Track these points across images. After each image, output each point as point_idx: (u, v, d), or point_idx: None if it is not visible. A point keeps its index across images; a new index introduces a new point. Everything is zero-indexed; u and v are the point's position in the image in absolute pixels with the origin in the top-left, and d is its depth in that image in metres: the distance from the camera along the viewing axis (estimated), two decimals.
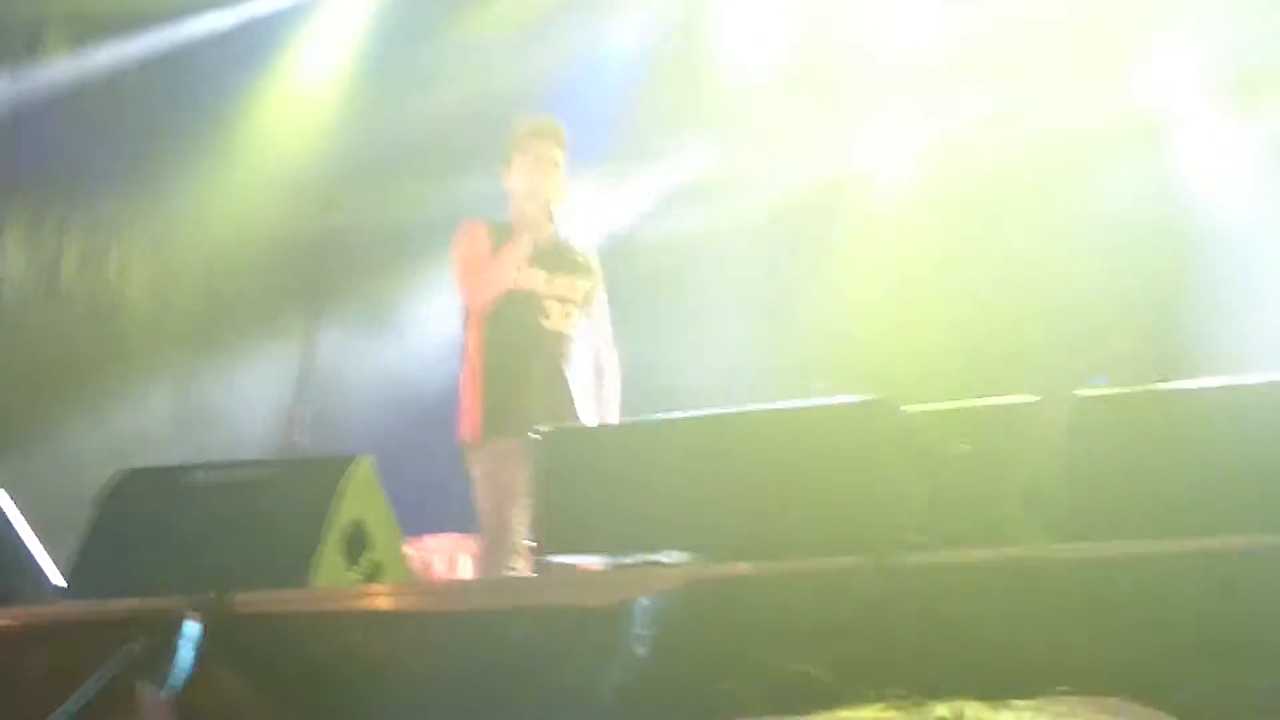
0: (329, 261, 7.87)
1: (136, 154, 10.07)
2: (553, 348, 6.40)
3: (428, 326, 10.27)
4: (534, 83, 10.58)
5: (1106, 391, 3.65)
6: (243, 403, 9.80)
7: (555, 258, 6.53)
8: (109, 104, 9.96)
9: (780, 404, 3.81)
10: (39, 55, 9.70)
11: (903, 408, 3.69)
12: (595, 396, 6.52)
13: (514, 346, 6.40)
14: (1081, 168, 10.27)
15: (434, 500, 7.36)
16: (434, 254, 10.64)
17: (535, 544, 3.99)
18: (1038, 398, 3.96)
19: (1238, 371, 8.70)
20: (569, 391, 6.35)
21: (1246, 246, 9.87)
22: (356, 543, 4.19)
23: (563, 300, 6.48)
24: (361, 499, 4.27)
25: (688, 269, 11.10)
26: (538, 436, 4.12)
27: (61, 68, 9.77)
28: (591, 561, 4.12)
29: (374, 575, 4.22)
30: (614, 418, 6.48)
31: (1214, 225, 10.12)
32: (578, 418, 6.27)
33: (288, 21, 10.44)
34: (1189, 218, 10.26)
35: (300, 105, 10.67)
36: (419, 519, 6.63)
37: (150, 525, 4.39)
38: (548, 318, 6.41)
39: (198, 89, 10.25)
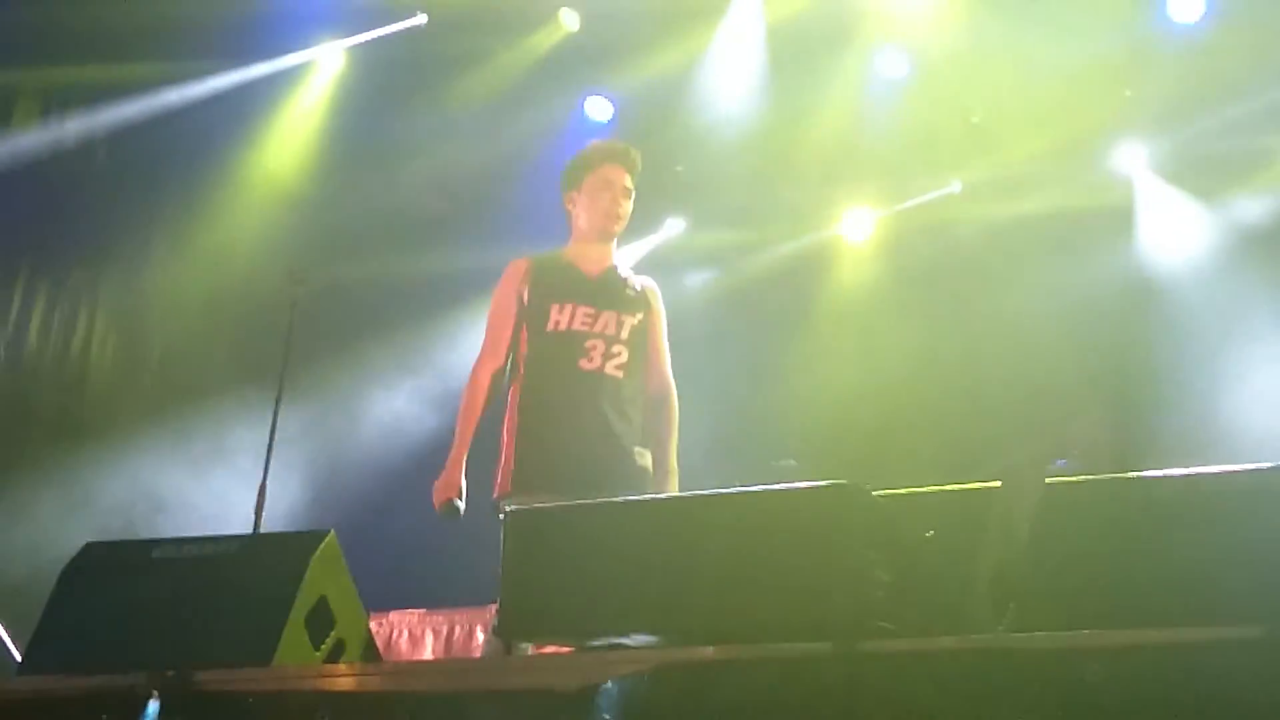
0: (294, 335, 7.86)
1: (104, 225, 10.08)
2: (592, 391, 5.85)
3: (391, 401, 10.29)
4: (502, 157, 10.65)
5: (1073, 479, 3.66)
6: (207, 475, 9.76)
7: (605, 292, 6.05)
8: (77, 174, 9.96)
9: (748, 487, 3.81)
10: (8, 125, 9.70)
11: (871, 492, 3.69)
12: (654, 438, 6.02)
13: (548, 394, 5.90)
14: (1049, 250, 10.37)
15: (399, 575, 7.35)
16: (400, 328, 10.72)
17: (501, 627, 3.96)
18: (1003, 484, 3.98)
19: (1203, 454, 8.83)
20: (613, 438, 5.81)
21: (1209, 330, 9.95)
22: (321, 619, 4.17)
23: (607, 339, 5.95)
24: (326, 575, 4.25)
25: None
26: (503, 517, 4.11)
27: (30, 138, 9.77)
28: (559, 644, 4.10)
29: (338, 652, 4.20)
30: (672, 457, 6.02)
31: (1178, 308, 10.21)
32: (624, 465, 5.77)
33: (257, 95, 10.47)
34: (1154, 301, 10.35)
35: (268, 178, 10.70)
36: (384, 594, 6.61)
37: (112, 600, 4.35)
38: (589, 359, 5.88)
39: (166, 161, 10.27)
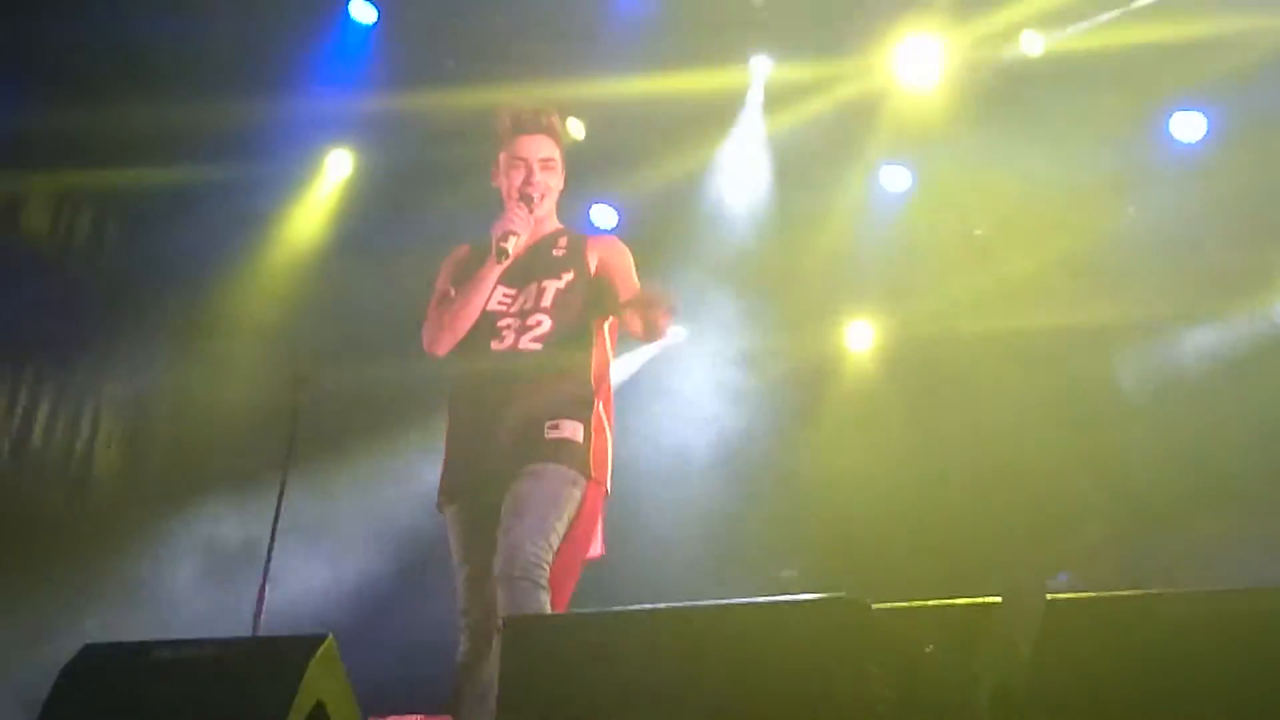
0: (297, 436, 7.87)
1: (110, 325, 10.12)
2: (502, 372, 5.27)
3: (394, 504, 10.28)
4: None
5: (1074, 596, 3.66)
6: (207, 575, 9.74)
7: (526, 265, 5.51)
8: (85, 274, 10.02)
9: (749, 600, 3.81)
10: (17, 225, 9.78)
11: (871, 606, 3.69)
12: (590, 407, 5.33)
13: (462, 385, 5.40)
14: (1052, 362, 10.40)
15: (400, 679, 7.30)
16: (402, 432, 10.73)
17: None
18: (1004, 600, 3.98)
19: (1206, 564, 8.82)
20: (521, 418, 5.17)
21: (1210, 444, 9.98)
22: None
23: (524, 312, 5.39)
24: (323, 678, 4.23)
25: (656, 455, 11.13)
26: (501, 626, 4.09)
27: (39, 238, 9.84)
28: None
29: None
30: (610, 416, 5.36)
31: (1181, 423, 10.23)
32: (531, 445, 5.12)
33: (265, 198, 10.55)
34: (1157, 414, 10.36)
35: (274, 279, 10.75)
36: (384, 698, 6.57)
37: (110, 703, 4.33)
38: (500, 339, 5.34)
39: (173, 262, 10.32)
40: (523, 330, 5.33)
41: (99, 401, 10.21)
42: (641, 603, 4.04)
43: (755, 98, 10.54)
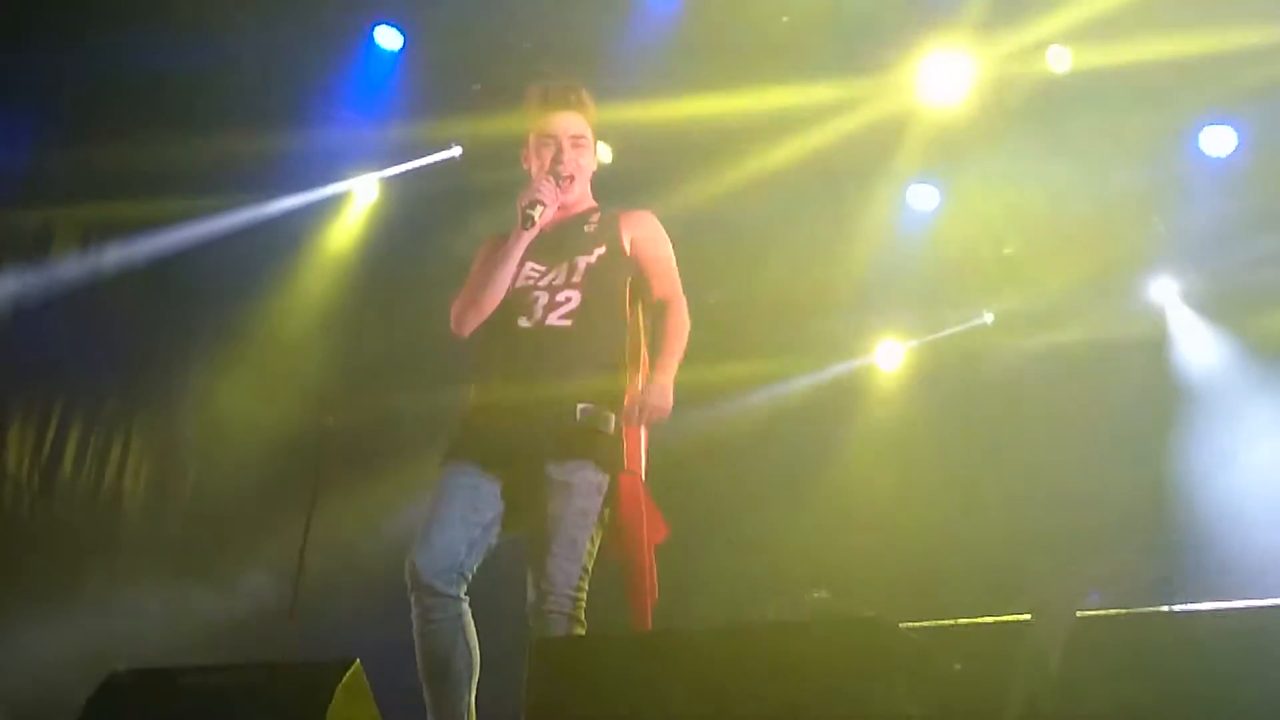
0: (324, 463, 7.87)
1: (139, 352, 10.15)
2: (527, 350, 5.11)
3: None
4: None
5: (1104, 613, 3.63)
6: (236, 604, 9.75)
7: (556, 241, 5.35)
8: (113, 302, 10.05)
9: (778, 621, 3.79)
10: (46, 257, 9.82)
11: (901, 625, 3.67)
12: (654, 350, 5.20)
13: (484, 360, 5.24)
14: (1082, 379, 10.36)
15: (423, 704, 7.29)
16: (432, 458, 10.71)
17: None
18: (1034, 617, 3.95)
19: (1240, 584, 8.76)
20: (546, 398, 5.00)
21: (1250, 463, 9.92)
22: None
23: (553, 288, 5.21)
24: (351, 704, 4.23)
25: (690, 479, 11.15)
26: (532, 648, 4.08)
27: (68, 269, 9.88)
28: None
29: None
30: (664, 372, 5.08)
31: (1214, 440, 10.18)
32: (556, 427, 4.98)
33: (293, 226, 10.56)
34: (1189, 431, 10.31)
35: (302, 307, 10.76)
36: None
37: None
38: (528, 316, 5.15)
39: (201, 292, 10.35)
40: (551, 306, 5.15)
41: (129, 431, 10.23)
42: (670, 626, 4.02)
43: (783, 118, 10.52)
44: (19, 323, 9.45)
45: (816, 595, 9.55)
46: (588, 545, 4.86)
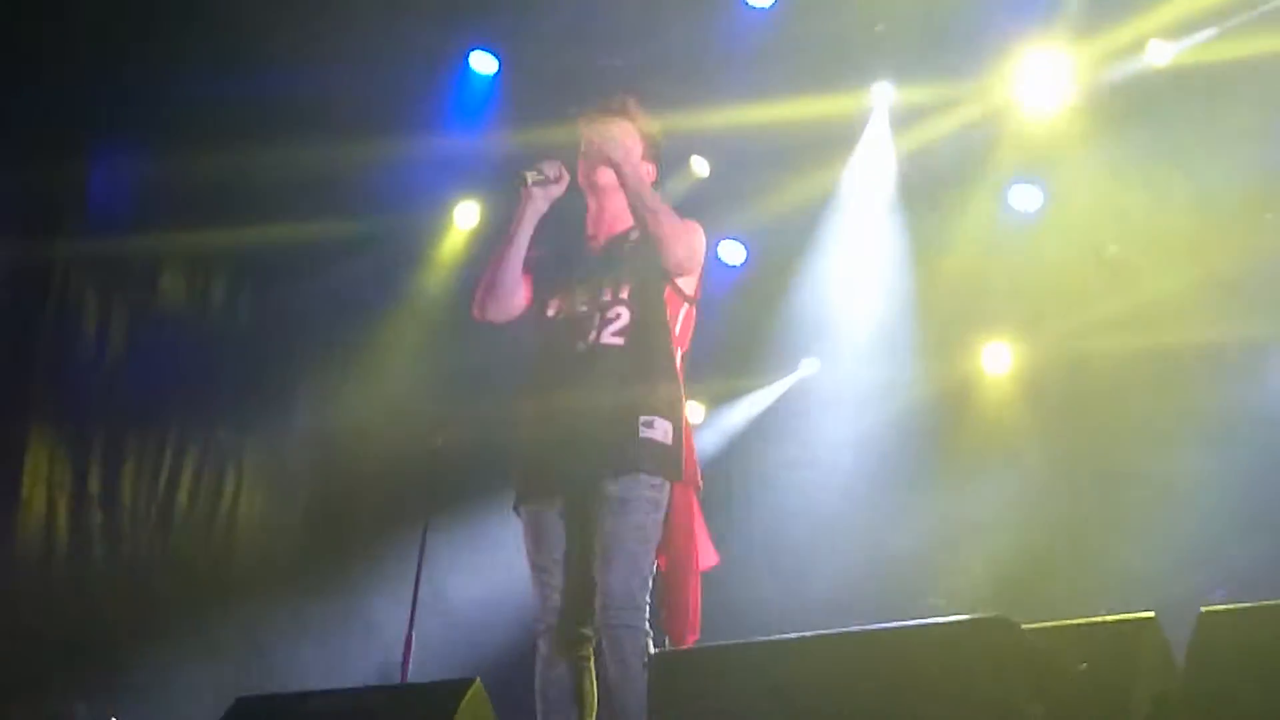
0: (437, 485, 7.90)
1: (248, 383, 10.27)
2: (585, 371, 5.09)
3: None
4: None
5: (1228, 606, 3.59)
6: (354, 628, 9.83)
7: (605, 260, 5.31)
8: (222, 334, 10.17)
9: (898, 623, 3.77)
10: (155, 285, 9.96)
11: (1021, 625, 3.64)
12: (680, 403, 5.13)
13: (542, 385, 5.20)
14: (1192, 379, 10.21)
15: None
16: None
17: None
18: (1155, 614, 3.92)
19: None
20: (609, 415, 4.96)
21: None
22: None
23: (603, 305, 5.17)
24: None
25: (798, 485, 11.12)
26: (649, 659, 4.09)
27: (176, 301, 10.01)
28: None
29: None
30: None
31: None
32: (623, 446, 4.93)
33: (396, 247, 10.65)
34: None
35: (409, 328, 10.85)
36: None
37: None
38: (584, 338, 5.13)
39: (308, 317, 10.47)
40: (604, 325, 5.12)
41: (240, 460, 10.34)
42: (786, 633, 4.01)
43: (879, 122, 10.50)
44: (131, 355, 9.60)
45: (933, 601, 9.48)
46: (645, 557, 4.83)
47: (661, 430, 4.98)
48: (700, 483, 5.09)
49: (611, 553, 4.79)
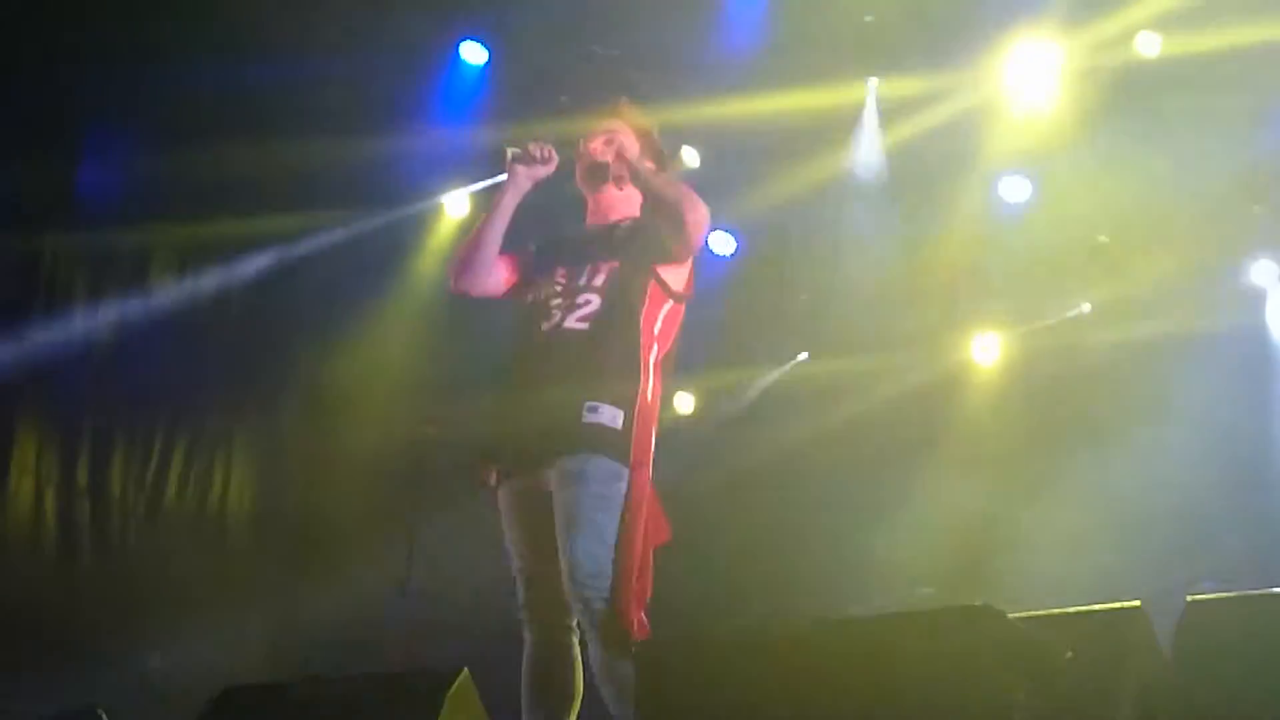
0: (427, 474, 7.89)
1: (238, 376, 10.25)
2: (544, 354, 5.10)
3: None
4: None
5: (1215, 595, 3.59)
6: (341, 618, 9.81)
7: (586, 244, 5.35)
8: (212, 327, 10.15)
9: (886, 612, 3.77)
10: (145, 276, 9.94)
11: (1009, 614, 3.64)
12: (636, 391, 5.05)
13: (510, 370, 5.24)
14: (1181, 368, 10.22)
15: None
16: None
17: None
18: (1141, 604, 3.92)
19: None
20: (556, 401, 4.93)
21: None
22: None
23: (575, 289, 5.19)
24: (460, 713, 4.25)
25: (787, 478, 11.12)
26: (636, 648, 4.08)
27: (166, 292, 9.98)
28: None
29: None
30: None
31: None
32: (565, 430, 4.91)
33: (387, 242, 10.62)
34: None
35: (399, 320, 10.83)
36: None
37: None
38: (549, 319, 5.15)
39: (298, 311, 10.45)
40: (570, 309, 5.13)
41: (230, 451, 10.33)
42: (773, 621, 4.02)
43: (870, 114, 10.49)
44: (120, 347, 9.57)
45: (921, 591, 9.51)
46: (608, 525, 4.76)
47: (609, 415, 4.95)
48: (651, 465, 5.02)
49: (576, 524, 4.76)
